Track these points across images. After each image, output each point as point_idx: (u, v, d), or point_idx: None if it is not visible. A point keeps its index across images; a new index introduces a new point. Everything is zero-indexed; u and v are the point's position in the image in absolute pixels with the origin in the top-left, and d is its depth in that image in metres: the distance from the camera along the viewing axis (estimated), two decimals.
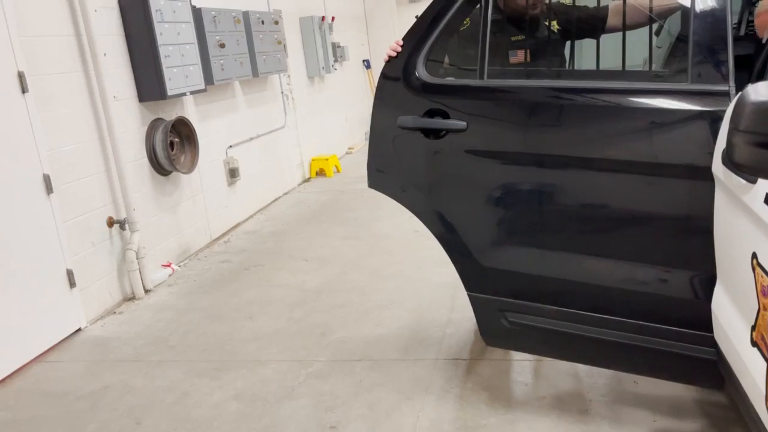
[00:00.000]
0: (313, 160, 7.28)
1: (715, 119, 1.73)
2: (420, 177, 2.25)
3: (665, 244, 1.90)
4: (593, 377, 2.68)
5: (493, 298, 2.18)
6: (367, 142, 2.46)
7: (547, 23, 2.61)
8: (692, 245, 1.84)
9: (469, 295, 2.24)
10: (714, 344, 1.83)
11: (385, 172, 2.32)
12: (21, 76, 3.27)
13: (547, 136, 2.00)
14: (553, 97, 2.01)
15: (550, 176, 2.01)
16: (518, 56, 2.53)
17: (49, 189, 3.42)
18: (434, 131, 2.11)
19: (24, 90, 3.29)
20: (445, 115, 2.09)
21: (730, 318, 1.68)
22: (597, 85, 2.11)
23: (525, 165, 2.05)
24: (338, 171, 7.42)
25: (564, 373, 2.73)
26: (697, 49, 1.78)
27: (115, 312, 3.86)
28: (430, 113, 2.11)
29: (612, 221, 1.98)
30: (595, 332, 2.01)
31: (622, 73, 2.20)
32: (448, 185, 2.19)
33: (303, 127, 7.10)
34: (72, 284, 3.56)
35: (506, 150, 2.06)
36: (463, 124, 2.06)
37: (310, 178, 7.24)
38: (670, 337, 1.90)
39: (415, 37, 2.15)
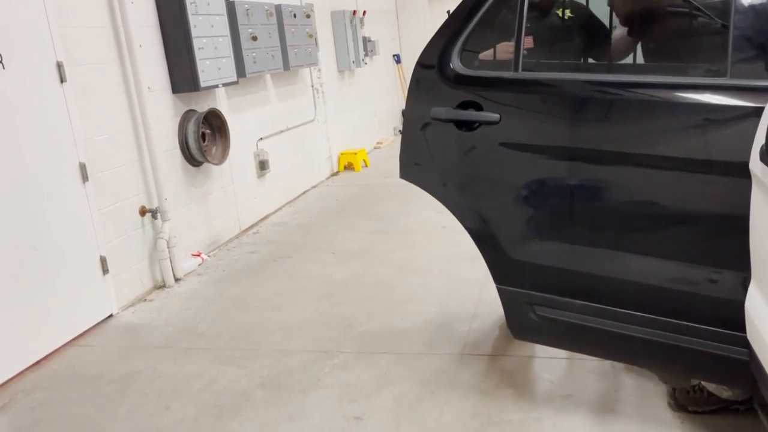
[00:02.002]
0: (341, 154, 7.31)
1: (754, 115, 1.69)
2: (451, 168, 2.25)
3: (702, 242, 1.87)
4: (621, 376, 2.65)
5: (522, 292, 2.17)
6: (397, 138, 2.48)
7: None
8: (728, 244, 1.81)
9: (498, 288, 2.24)
10: (747, 344, 1.80)
11: (417, 163, 2.33)
12: (60, 66, 3.35)
13: (581, 130, 1.98)
14: (591, 91, 1.99)
15: (585, 171, 1.99)
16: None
17: (84, 177, 3.50)
18: (467, 123, 2.10)
19: (62, 80, 3.36)
20: (479, 107, 2.09)
21: (764, 318, 1.65)
22: (635, 79, 2.08)
23: (559, 159, 2.03)
24: (366, 165, 7.43)
25: (591, 371, 2.71)
26: (738, 43, 1.75)
27: (145, 299, 3.94)
28: (464, 105, 2.11)
29: (646, 218, 1.95)
30: (625, 329, 1.99)
31: (661, 67, 2.17)
32: (479, 177, 2.19)
33: (332, 120, 7.13)
34: (105, 271, 3.64)
35: (540, 143, 2.05)
36: (496, 116, 2.05)
37: (338, 172, 7.27)
38: (702, 336, 1.87)
39: (451, 28, 2.15)
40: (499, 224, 2.18)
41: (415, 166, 2.35)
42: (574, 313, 2.08)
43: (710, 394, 2.27)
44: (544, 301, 2.13)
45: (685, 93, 1.88)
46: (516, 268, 2.17)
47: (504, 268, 2.21)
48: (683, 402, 2.34)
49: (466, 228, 2.29)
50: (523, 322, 2.23)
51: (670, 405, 2.37)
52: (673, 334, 1.92)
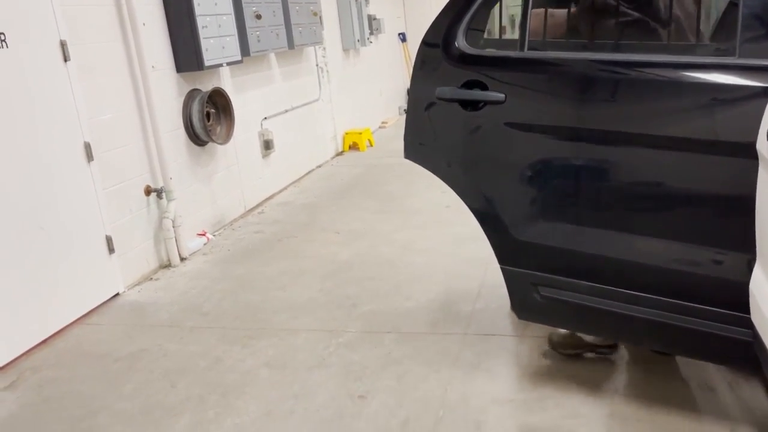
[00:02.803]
0: (346, 133, 7.28)
1: (762, 95, 1.67)
2: (456, 149, 2.24)
3: (707, 223, 1.86)
4: (626, 357, 2.66)
5: (527, 272, 2.17)
6: (402, 117, 2.48)
7: None
8: (734, 225, 1.80)
9: (502, 268, 2.24)
10: (751, 325, 1.79)
11: (422, 143, 2.32)
12: (63, 45, 3.33)
13: (588, 110, 1.96)
14: (598, 70, 1.97)
15: (591, 151, 1.98)
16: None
17: (89, 156, 3.50)
18: (472, 103, 2.09)
19: (66, 58, 3.35)
20: (484, 87, 2.07)
21: None
22: (643, 58, 2.05)
23: (565, 139, 2.02)
24: (371, 145, 7.41)
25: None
26: (747, 22, 1.72)
27: (151, 278, 3.96)
28: (469, 84, 2.09)
29: (652, 199, 1.94)
30: (629, 309, 1.99)
31: (669, 47, 2.14)
32: (484, 157, 2.18)
33: (337, 100, 7.10)
34: (111, 250, 3.65)
35: (546, 123, 2.03)
36: (501, 96, 2.03)
37: (343, 152, 7.25)
38: (706, 317, 1.87)
39: (456, 6, 2.12)
40: (504, 205, 2.17)
41: (420, 146, 2.34)
42: (579, 294, 2.08)
43: (579, 338, 2.60)
44: (548, 281, 2.13)
45: (693, 72, 1.86)
46: (520, 248, 2.17)
47: (508, 249, 2.21)
48: (557, 346, 2.66)
49: (471, 208, 2.28)
50: (528, 303, 2.24)
51: (546, 350, 2.70)
52: (677, 315, 1.92)
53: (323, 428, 2.36)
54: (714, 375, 2.47)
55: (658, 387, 2.44)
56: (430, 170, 2.35)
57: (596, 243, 2.01)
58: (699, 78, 1.83)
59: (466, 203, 2.30)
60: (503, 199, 2.18)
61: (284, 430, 2.37)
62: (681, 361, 2.57)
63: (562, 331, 2.63)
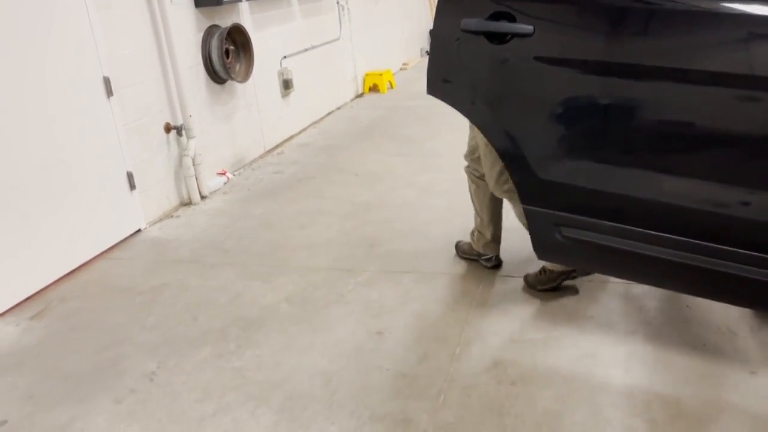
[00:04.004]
0: (366, 74, 7.16)
1: None
2: (481, 84, 2.18)
3: (738, 162, 1.80)
4: (644, 299, 2.65)
5: (549, 212, 2.13)
6: (424, 59, 2.43)
7: None
8: (764, 164, 1.75)
9: (524, 208, 2.21)
10: None
11: (446, 79, 2.25)
12: None
13: (619, 44, 1.88)
14: (630, 1, 1.88)
15: (621, 86, 1.91)
16: None
17: (109, 92, 3.48)
18: (499, 36, 2.01)
19: None
20: (512, 19, 1.99)
21: None
22: None
23: (595, 74, 1.94)
24: (392, 87, 7.29)
25: (615, 294, 2.71)
26: None
27: (172, 216, 3.99)
28: (496, 16, 2.01)
29: (682, 136, 1.88)
30: (652, 251, 1.96)
31: None
32: (510, 93, 2.11)
33: (357, 39, 6.95)
34: (132, 186, 3.67)
35: (575, 57, 1.96)
36: (529, 28, 1.96)
37: (362, 94, 7.15)
38: (733, 258, 1.84)
39: None
40: (529, 142, 2.12)
41: (444, 82, 2.28)
42: (601, 235, 2.05)
43: (551, 271, 2.73)
44: (570, 221, 2.10)
45: (731, 3, 1.76)
46: (544, 188, 2.13)
47: (531, 188, 2.17)
48: (533, 283, 2.80)
49: (494, 146, 2.24)
50: (549, 243, 2.21)
51: (523, 287, 2.84)
52: (702, 257, 1.89)
53: (341, 362, 2.40)
54: (736, 319, 2.46)
55: (678, 330, 2.43)
56: (454, 107, 2.30)
57: (622, 182, 1.97)
58: (737, 9, 1.74)
59: (490, 141, 2.25)
60: (528, 136, 2.13)
61: (303, 363, 2.41)
62: (702, 305, 2.55)
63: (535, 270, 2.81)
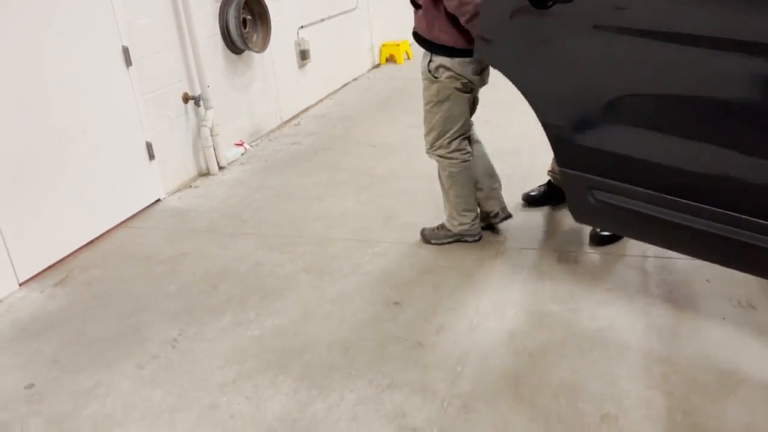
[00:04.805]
0: (383, 45, 7.09)
1: None
2: (523, 47, 2.19)
3: None
4: (663, 273, 2.64)
5: (584, 176, 2.16)
6: None
7: None
8: None
9: (560, 170, 2.24)
10: None
11: (488, 39, 2.29)
12: None
13: (660, 9, 1.85)
14: None
15: (661, 53, 1.88)
16: None
17: (128, 61, 3.48)
18: (542, 0, 2.00)
19: None
20: None
21: None
22: None
23: (635, 40, 1.91)
24: (409, 58, 7.21)
25: (633, 267, 2.70)
26: None
27: (191, 186, 4.02)
28: None
29: (722, 105, 1.85)
30: (684, 219, 1.95)
31: None
32: (550, 57, 2.11)
33: (375, 9, 6.86)
34: (151, 156, 3.70)
35: (617, 24, 1.93)
36: None
37: (379, 65, 7.09)
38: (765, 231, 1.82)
39: None
40: (567, 106, 2.13)
41: (486, 42, 2.31)
42: (634, 201, 2.06)
43: (447, 229, 2.96)
44: (604, 186, 2.12)
45: None
46: (580, 151, 2.14)
47: (568, 151, 2.19)
48: (428, 237, 3.02)
49: (534, 109, 2.24)
50: (582, 206, 2.24)
51: (421, 239, 3.05)
52: (734, 228, 1.87)
53: (359, 331, 2.42)
54: (755, 293, 2.44)
55: (697, 303, 2.42)
56: (494, 67, 2.35)
57: (657, 150, 1.96)
58: None
59: (529, 102, 2.25)
60: (566, 99, 2.13)
61: (322, 332, 2.44)
62: (721, 278, 2.54)
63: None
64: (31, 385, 2.27)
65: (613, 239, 2.87)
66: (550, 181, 3.35)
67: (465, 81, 2.67)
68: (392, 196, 3.62)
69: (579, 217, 2.34)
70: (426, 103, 2.79)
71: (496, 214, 3.02)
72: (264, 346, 2.39)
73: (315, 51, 5.55)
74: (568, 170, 2.19)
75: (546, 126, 2.22)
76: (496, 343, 2.30)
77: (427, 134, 2.87)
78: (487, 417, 1.96)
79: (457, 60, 2.61)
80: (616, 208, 2.10)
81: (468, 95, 2.75)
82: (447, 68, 2.64)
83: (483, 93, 2.86)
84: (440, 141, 2.81)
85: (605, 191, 2.10)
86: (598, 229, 2.88)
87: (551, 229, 3.12)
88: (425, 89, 2.78)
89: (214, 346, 2.41)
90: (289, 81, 5.24)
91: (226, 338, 2.45)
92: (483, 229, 3.04)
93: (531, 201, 3.34)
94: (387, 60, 7.10)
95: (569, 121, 2.14)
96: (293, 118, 5.31)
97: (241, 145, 4.48)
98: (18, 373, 2.34)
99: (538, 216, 3.24)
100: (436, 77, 2.68)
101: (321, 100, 5.79)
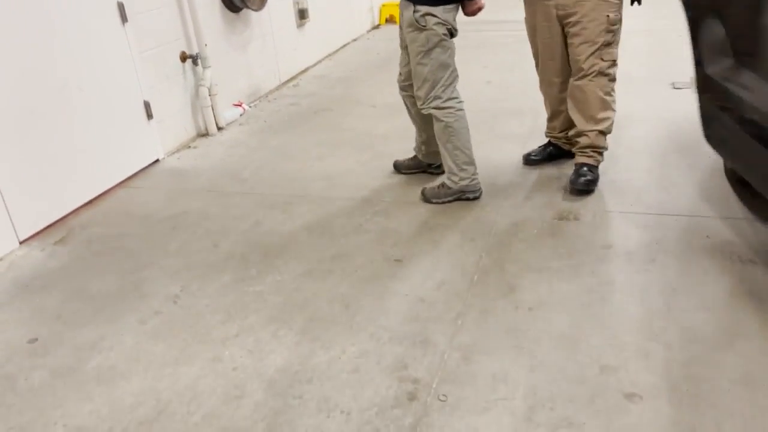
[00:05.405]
0: (383, 5, 6.98)
1: None
2: None
3: None
4: (664, 229, 2.64)
5: (712, 105, 2.32)
6: None
7: None
8: None
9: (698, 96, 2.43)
10: None
11: None
12: None
13: None
14: None
15: None
16: None
17: (123, 18, 3.42)
18: None
19: None
20: None
21: None
22: None
23: None
24: None
25: (634, 224, 2.71)
26: None
27: (189, 146, 3.99)
28: None
29: None
30: None
31: None
32: None
33: None
34: (149, 116, 3.66)
35: None
36: None
37: (379, 25, 6.99)
38: None
39: None
40: (703, 35, 2.32)
41: None
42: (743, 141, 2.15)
43: (448, 187, 2.98)
44: (724, 119, 2.24)
45: None
46: (707, 82, 2.32)
47: (700, 78, 2.38)
48: (429, 196, 3.03)
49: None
50: (709, 130, 2.42)
51: (422, 199, 3.07)
52: None
53: (361, 287, 2.43)
54: (755, 249, 2.45)
55: (697, 259, 2.43)
56: None
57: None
58: None
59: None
60: (705, 29, 2.30)
61: (323, 288, 2.45)
62: (721, 234, 2.54)
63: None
64: (34, 340, 2.29)
65: (588, 191, 2.98)
66: (550, 141, 3.33)
67: (450, 27, 2.77)
68: (393, 156, 3.59)
69: (708, 140, 2.48)
70: (415, 56, 2.81)
71: (438, 166, 3.22)
72: (265, 301, 2.40)
73: (314, 10, 5.47)
74: (701, 94, 2.42)
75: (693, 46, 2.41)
76: (496, 297, 2.31)
77: (419, 88, 2.88)
78: (487, 368, 1.98)
79: (440, 7, 2.71)
80: (734, 139, 2.23)
81: (452, 42, 2.85)
82: (433, 15, 2.71)
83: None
84: (434, 92, 2.83)
85: (726, 124, 2.26)
86: (572, 178, 3.00)
87: (551, 188, 3.11)
88: (412, 41, 2.81)
89: (215, 301, 2.43)
90: (287, 41, 5.17)
91: (228, 294, 2.46)
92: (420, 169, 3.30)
93: (531, 163, 3.33)
94: (387, 20, 7.00)
95: (705, 50, 2.34)
96: (292, 78, 5.25)
97: (240, 105, 4.44)
98: (21, 328, 2.36)
99: (537, 174, 3.23)
100: (423, 26, 2.74)
101: (320, 61, 5.72)
